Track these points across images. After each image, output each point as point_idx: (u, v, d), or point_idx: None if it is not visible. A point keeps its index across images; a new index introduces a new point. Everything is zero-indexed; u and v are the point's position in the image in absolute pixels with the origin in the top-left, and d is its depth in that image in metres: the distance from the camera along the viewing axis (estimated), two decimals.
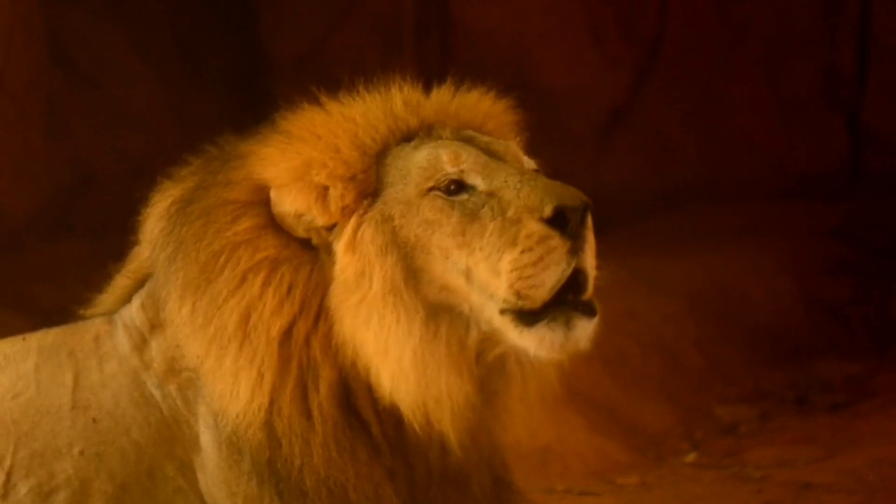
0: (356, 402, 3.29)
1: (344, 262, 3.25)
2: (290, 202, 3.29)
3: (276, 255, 3.30)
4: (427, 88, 3.48)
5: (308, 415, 3.27)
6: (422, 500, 3.35)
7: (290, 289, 3.27)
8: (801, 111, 10.87)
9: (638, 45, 11.03)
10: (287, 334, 3.26)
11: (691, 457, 6.61)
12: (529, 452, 6.02)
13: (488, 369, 3.31)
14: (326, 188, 3.27)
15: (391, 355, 3.20)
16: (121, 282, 3.60)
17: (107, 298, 3.62)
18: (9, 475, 3.42)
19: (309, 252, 3.31)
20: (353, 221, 3.26)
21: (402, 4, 10.89)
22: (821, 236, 9.27)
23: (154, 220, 3.50)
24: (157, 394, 3.42)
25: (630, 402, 7.02)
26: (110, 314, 3.57)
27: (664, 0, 11.03)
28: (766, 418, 7.18)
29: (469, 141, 3.35)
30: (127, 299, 3.56)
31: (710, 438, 6.89)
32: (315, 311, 3.27)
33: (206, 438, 3.36)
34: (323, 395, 3.26)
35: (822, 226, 9.45)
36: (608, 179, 10.66)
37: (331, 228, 3.28)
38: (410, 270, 3.22)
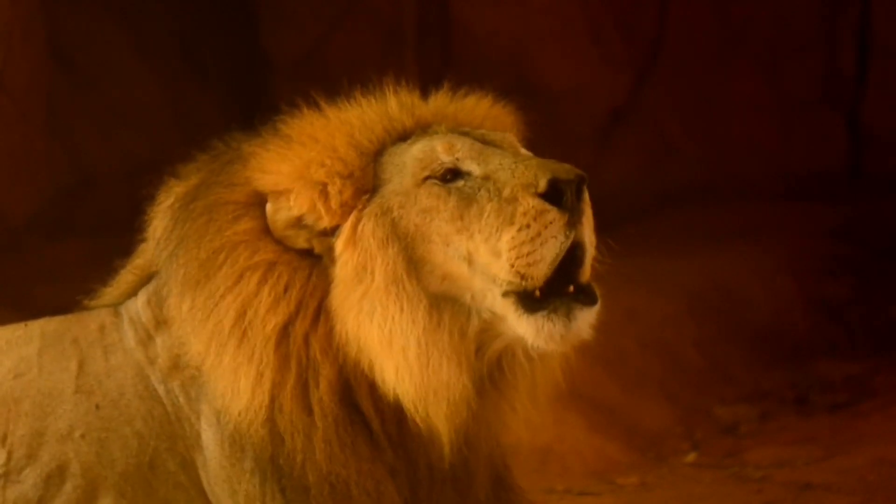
0: (358, 401, 3.31)
1: (345, 257, 3.27)
2: (292, 204, 3.31)
3: (275, 258, 3.32)
4: (426, 90, 3.51)
5: (309, 411, 3.28)
6: (423, 499, 3.36)
7: (286, 288, 3.30)
8: (801, 111, 10.87)
9: (638, 46, 11.03)
10: (284, 332, 3.28)
11: (691, 457, 6.61)
12: (529, 452, 6.02)
13: (489, 365, 3.31)
14: (326, 185, 3.29)
15: (395, 346, 3.21)
16: (126, 277, 3.63)
17: (111, 292, 3.64)
18: (10, 453, 3.43)
19: (308, 258, 3.33)
20: (352, 218, 3.28)
21: (402, 4, 10.89)
22: (821, 236, 9.26)
23: (159, 218, 3.53)
24: (160, 389, 3.43)
25: (630, 402, 7.02)
26: (115, 306, 3.59)
27: (664, 0, 11.03)
28: (766, 418, 7.18)
29: (465, 134, 3.38)
30: (131, 293, 3.58)
31: (710, 438, 6.89)
32: (313, 311, 3.29)
33: (208, 436, 3.37)
34: (323, 391, 3.28)
35: (822, 226, 9.45)
36: (608, 179, 10.65)
37: (333, 230, 3.30)
38: (412, 261, 3.24)
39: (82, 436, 3.42)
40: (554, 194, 3.15)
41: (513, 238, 3.15)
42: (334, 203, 3.28)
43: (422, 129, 3.41)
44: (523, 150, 3.41)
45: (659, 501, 5.83)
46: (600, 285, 3.27)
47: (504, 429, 3.45)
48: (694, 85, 10.96)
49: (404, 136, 3.39)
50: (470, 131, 3.41)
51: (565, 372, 3.43)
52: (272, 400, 3.27)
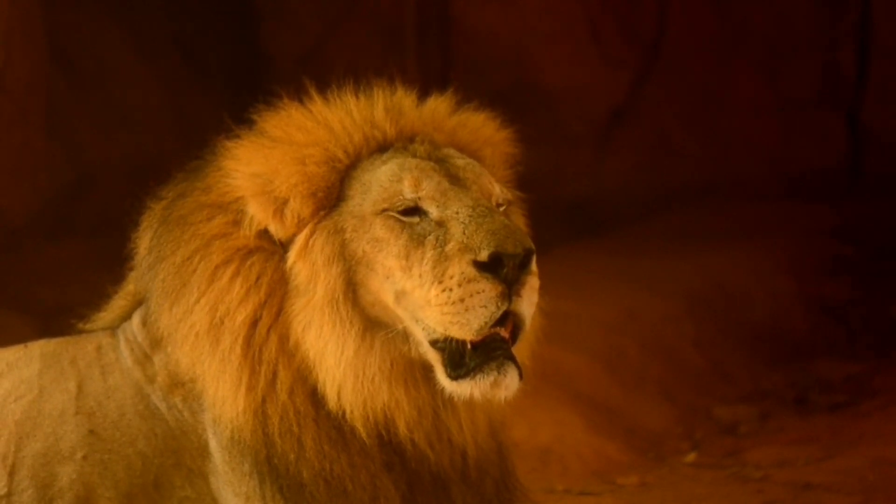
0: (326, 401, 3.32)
1: (296, 267, 3.31)
2: (252, 213, 3.35)
3: (249, 244, 3.35)
4: (426, 91, 3.47)
5: (288, 412, 3.31)
6: (423, 492, 3.37)
7: (258, 277, 3.33)
8: (801, 111, 10.88)
9: (638, 46, 11.04)
10: (252, 326, 3.31)
11: (691, 457, 6.60)
12: (529, 452, 6.03)
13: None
14: (286, 202, 3.31)
15: (328, 362, 3.26)
16: (118, 302, 3.65)
17: (105, 316, 3.66)
18: (11, 474, 3.43)
19: (279, 245, 3.36)
20: (306, 231, 3.31)
21: (402, 4, 10.89)
22: (821, 236, 9.28)
23: (142, 239, 3.55)
24: (162, 406, 3.45)
25: (630, 402, 7.02)
26: (111, 329, 3.60)
27: (664, 0, 11.03)
28: (766, 418, 7.18)
29: (441, 162, 3.35)
30: (125, 317, 3.60)
31: (710, 438, 6.88)
32: (278, 303, 3.32)
33: (213, 444, 3.40)
34: (287, 393, 3.31)
35: (822, 226, 9.46)
36: (608, 179, 10.67)
37: (290, 239, 3.33)
38: (351, 283, 3.27)
39: (84, 457, 3.43)
40: (493, 265, 3.14)
41: (437, 296, 3.16)
42: (290, 221, 3.31)
43: (406, 139, 3.39)
44: (498, 192, 3.38)
45: (659, 501, 5.82)
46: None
47: (496, 430, 3.46)
48: (694, 85, 10.96)
49: (384, 146, 3.38)
50: (449, 158, 3.37)
51: (502, 408, 3.43)
52: (254, 404, 3.30)
